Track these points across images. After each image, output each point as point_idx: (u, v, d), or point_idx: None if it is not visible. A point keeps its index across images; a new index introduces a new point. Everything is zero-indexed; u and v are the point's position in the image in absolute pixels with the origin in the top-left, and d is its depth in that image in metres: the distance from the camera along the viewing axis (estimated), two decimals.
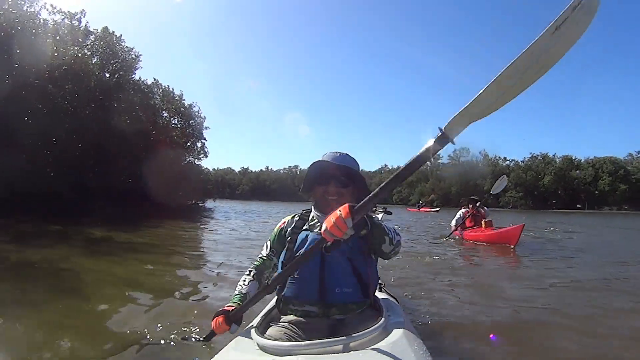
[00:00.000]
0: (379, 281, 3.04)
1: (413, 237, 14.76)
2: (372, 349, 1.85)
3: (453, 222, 13.96)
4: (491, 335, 4.05)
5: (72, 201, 18.13)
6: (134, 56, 26.90)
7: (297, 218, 2.71)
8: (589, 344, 3.98)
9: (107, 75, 24.09)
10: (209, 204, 40.20)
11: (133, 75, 27.25)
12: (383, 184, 1.80)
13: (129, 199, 21.90)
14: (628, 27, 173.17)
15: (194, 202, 34.00)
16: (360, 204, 1.86)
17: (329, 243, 1.97)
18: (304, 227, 2.62)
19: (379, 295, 2.82)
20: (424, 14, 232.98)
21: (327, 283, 2.39)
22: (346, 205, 1.87)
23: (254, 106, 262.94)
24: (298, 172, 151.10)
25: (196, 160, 35.29)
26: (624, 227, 26.26)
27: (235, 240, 12.45)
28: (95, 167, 20.74)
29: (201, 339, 2.90)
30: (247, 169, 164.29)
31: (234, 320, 2.45)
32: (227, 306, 2.47)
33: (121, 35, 26.32)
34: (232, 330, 2.42)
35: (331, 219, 1.87)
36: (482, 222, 12.94)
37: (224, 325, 2.39)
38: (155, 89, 31.04)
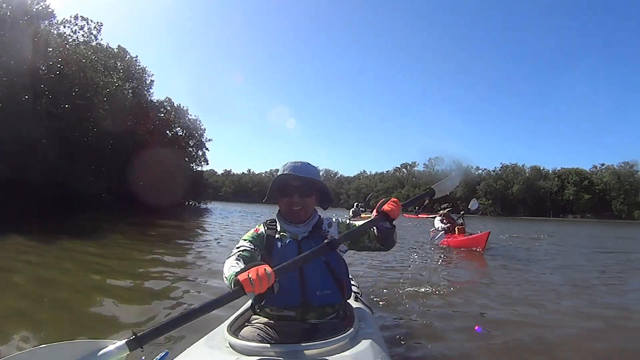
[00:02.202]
0: (356, 290, 3.15)
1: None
2: (337, 357, 1.90)
3: (438, 225, 14.59)
4: (477, 327, 4.24)
5: (109, 201, 22.05)
6: (148, 78, 31.25)
7: (267, 228, 2.67)
8: (543, 339, 4.41)
9: (131, 94, 27.96)
10: (205, 205, 44.42)
11: (150, 95, 31.58)
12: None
13: (143, 201, 25.38)
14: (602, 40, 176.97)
15: (194, 203, 38.54)
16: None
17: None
18: (277, 236, 2.60)
19: (354, 304, 2.86)
20: (416, 18, 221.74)
21: (309, 287, 2.40)
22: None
23: (237, 110, 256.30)
24: None
25: (198, 167, 40.23)
26: (586, 234, 27.82)
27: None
28: (117, 174, 24.50)
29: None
30: (230, 171, 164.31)
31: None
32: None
33: (137, 56, 30.65)
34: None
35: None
36: (456, 229, 14.00)
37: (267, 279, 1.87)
38: (167, 105, 35.29)
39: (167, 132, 33.67)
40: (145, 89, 31.17)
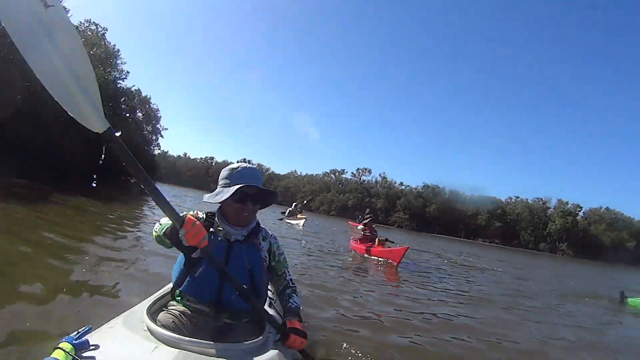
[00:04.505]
0: (271, 295, 3.33)
1: (318, 248, 15.14)
2: None
3: (360, 227, 16.05)
4: None
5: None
6: (124, 69, 36.12)
7: (204, 217, 2.80)
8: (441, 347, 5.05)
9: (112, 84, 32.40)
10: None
11: (122, 84, 36.08)
12: None
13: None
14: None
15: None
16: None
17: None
18: (211, 230, 2.72)
19: (269, 310, 2.92)
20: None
21: (226, 291, 2.54)
22: None
23: (180, 89, 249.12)
24: (213, 164, 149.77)
25: (152, 150, 45.74)
26: (493, 257, 30.73)
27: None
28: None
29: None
30: (167, 152, 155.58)
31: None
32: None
33: (118, 50, 35.29)
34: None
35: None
36: (376, 240, 14.62)
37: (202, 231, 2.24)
38: (136, 95, 39.85)
39: (129, 115, 38.24)
40: (121, 77, 35.94)
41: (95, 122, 1.99)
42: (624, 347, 7.00)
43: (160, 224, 2.51)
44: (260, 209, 2.87)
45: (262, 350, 2.29)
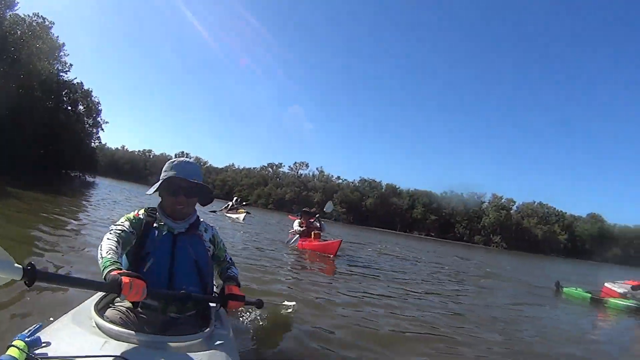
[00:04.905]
0: (216, 289, 3.21)
1: (258, 241, 15.60)
2: (193, 354, 2.13)
3: (296, 228, 15.19)
4: None
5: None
6: (67, 61, 37.22)
7: (147, 215, 2.85)
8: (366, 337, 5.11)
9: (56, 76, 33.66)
10: (93, 178, 50.39)
11: (62, 76, 37.07)
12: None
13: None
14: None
15: (80, 175, 44.30)
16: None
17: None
18: (155, 225, 2.81)
19: (212, 303, 2.96)
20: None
21: (176, 281, 2.65)
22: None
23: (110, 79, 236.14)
24: (151, 157, 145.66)
25: (92, 143, 46.57)
26: (427, 249, 31.85)
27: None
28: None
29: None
30: (105, 145, 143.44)
31: None
32: (117, 270, 2.19)
33: (64, 44, 36.62)
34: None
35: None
36: (312, 234, 14.67)
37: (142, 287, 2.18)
38: (78, 88, 40.56)
39: (71, 109, 39.47)
40: (64, 70, 37.23)
41: (9, 274, 1.83)
42: (541, 325, 7.87)
43: (102, 257, 2.32)
44: (201, 205, 3.08)
45: (207, 341, 2.37)
